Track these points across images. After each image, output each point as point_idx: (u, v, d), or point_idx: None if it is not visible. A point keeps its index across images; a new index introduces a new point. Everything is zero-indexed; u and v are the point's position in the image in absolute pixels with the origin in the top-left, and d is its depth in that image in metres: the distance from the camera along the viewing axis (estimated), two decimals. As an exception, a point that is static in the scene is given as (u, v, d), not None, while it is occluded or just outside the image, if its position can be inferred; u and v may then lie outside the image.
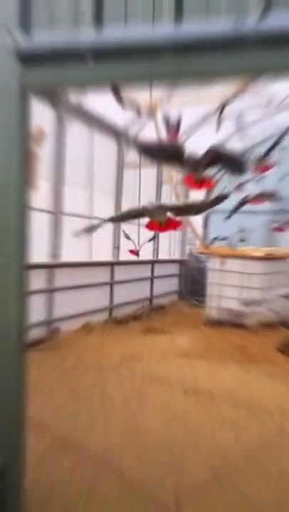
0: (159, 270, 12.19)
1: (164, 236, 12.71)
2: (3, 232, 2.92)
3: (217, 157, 3.54)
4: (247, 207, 10.99)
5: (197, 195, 14.12)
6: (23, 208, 2.90)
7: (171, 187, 11.12)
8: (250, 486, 3.53)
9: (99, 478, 3.54)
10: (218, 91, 5.43)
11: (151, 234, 11.61)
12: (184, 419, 4.78)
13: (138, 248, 5.58)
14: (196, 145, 3.95)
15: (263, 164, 6.62)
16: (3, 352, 2.98)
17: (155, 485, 3.50)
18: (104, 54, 2.59)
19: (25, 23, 2.74)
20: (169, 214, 3.88)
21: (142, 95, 6.18)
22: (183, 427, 4.57)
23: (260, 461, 3.89)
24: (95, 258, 9.22)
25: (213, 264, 10.05)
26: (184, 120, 6.91)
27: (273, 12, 2.28)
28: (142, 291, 11.38)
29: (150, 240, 8.16)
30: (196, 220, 12.89)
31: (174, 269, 13.54)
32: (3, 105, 2.82)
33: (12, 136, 2.83)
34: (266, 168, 6.72)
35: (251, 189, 7.18)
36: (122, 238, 10.04)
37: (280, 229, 9.22)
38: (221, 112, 5.24)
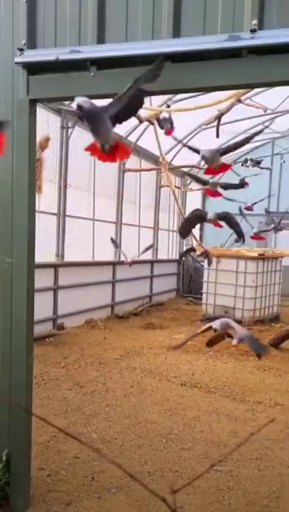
0: (158, 269, 12.18)
1: (163, 237, 12.71)
2: (11, 233, 2.91)
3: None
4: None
5: (195, 199, 14.07)
6: (29, 211, 2.89)
7: (170, 190, 11.10)
8: (245, 477, 3.52)
9: (100, 468, 3.52)
10: (215, 99, 5.39)
11: (150, 238, 11.53)
12: (182, 411, 4.77)
13: (131, 259, 5.03)
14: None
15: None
16: (10, 347, 2.97)
17: (154, 475, 3.49)
18: (105, 65, 2.58)
19: (33, 39, 2.73)
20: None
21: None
22: (181, 419, 4.56)
23: (254, 453, 3.87)
24: (98, 258, 9.22)
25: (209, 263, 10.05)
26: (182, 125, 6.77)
27: (265, 29, 2.28)
28: (142, 289, 11.38)
29: (146, 250, 7.95)
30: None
31: (172, 268, 13.53)
32: (14, 116, 2.81)
33: (20, 145, 2.82)
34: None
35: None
36: (123, 240, 10.07)
37: (259, 237, 8.52)
38: (219, 121, 5.21)
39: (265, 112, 7.81)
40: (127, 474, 2.92)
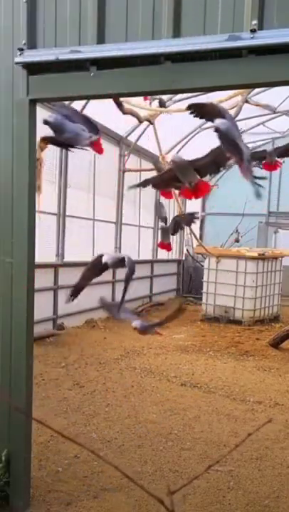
0: (158, 269, 12.17)
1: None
2: (11, 233, 2.91)
3: None
4: (241, 209, 10.91)
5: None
6: (29, 211, 2.89)
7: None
8: (245, 477, 3.52)
9: (100, 468, 3.52)
10: (216, 99, 5.39)
11: (150, 238, 11.44)
12: (182, 411, 4.77)
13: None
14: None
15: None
16: (10, 347, 2.97)
17: (154, 475, 3.49)
18: (105, 65, 2.58)
19: (33, 39, 2.73)
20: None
21: (142, 103, 6.15)
22: (181, 419, 4.56)
23: (254, 453, 3.87)
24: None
25: (209, 263, 10.05)
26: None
27: (265, 29, 2.28)
28: (142, 289, 11.37)
29: None
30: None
31: (173, 268, 13.52)
32: (14, 116, 2.81)
33: (21, 145, 2.82)
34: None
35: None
36: (123, 240, 10.06)
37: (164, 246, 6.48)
38: None
39: (274, 111, 7.84)
40: (128, 473, 2.91)
